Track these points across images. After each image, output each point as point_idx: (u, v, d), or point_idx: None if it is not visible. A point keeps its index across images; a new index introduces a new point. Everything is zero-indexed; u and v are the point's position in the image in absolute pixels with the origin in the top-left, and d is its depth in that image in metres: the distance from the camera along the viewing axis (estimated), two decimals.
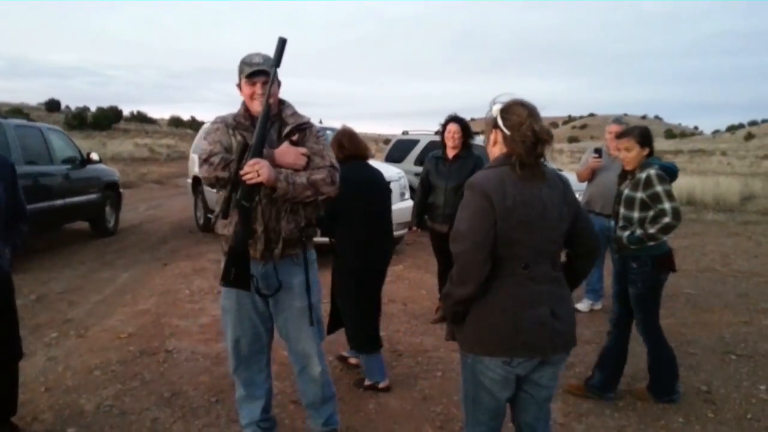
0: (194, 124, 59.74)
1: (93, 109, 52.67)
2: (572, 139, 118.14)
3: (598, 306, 5.67)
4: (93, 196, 8.71)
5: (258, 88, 2.57)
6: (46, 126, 8.47)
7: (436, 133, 11.42)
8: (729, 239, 10.10)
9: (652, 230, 3.35)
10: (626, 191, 3.51)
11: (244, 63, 2.59)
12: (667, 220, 3.31)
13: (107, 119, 47.81)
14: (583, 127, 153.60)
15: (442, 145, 5.15)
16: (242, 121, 2.64)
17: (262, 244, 2.60)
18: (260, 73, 2.55)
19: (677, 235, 10.08)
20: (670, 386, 3.63)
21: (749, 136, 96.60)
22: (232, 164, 2.45)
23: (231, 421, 3.28)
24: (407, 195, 8.15)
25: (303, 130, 2.66)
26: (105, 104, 49.09)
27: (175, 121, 65.88)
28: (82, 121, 44.92)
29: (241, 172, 2.36)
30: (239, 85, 2.65)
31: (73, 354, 4.22)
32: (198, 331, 4.76)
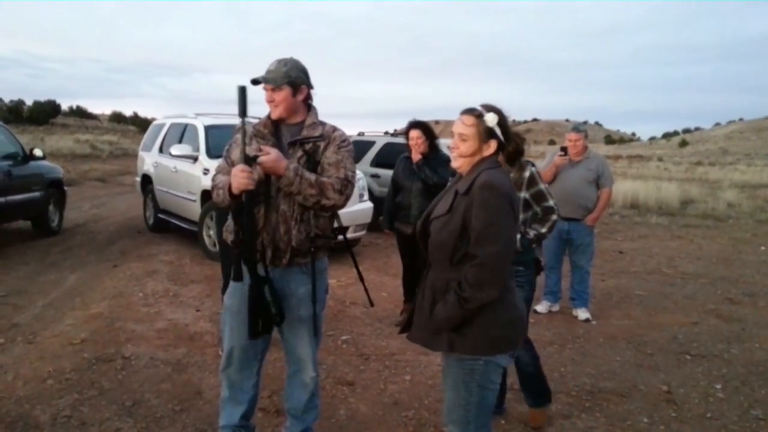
0: (137, 121, 57.94)
1: (29, 102, 50.39)
2: None
3: (556, 308, 5.76)
4: (36, 194, 8.30)
5: (267, 95, 2.60)
6: None
7: (393, 134, 11.45)
8: (673, 242, 10.47)
9: (543, 230, 3.27)
10: (525, 194, 3.29)
11: None
12: (554, 217, 3.29)
13: (45, 114, 45.82)
14: (528, 131, 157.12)
15: (408, 148, 5.15)
16: (261, 129, 2.65)
17: (270, 252, 2.57)
18: (267, 80, 2.56)
19: (625, 238, 10.44)
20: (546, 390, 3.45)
21: (683, 143, 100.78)
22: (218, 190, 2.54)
23: (198, 430, 3.16)
24: (366, 196, 8.12)
25: (320, 140, 2.62)
26: (41, 98, 46.94)
27: (117, 117, 63.71)
28: (17, 115, 42.94)
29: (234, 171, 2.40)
30: None
31: (23, 361, 3.99)
32: (155, 336, 4.58)
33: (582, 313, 5.54)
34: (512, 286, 2.22)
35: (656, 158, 60.03)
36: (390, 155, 10.33)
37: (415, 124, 5.14)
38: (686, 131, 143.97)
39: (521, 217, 3.20)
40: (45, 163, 8.99)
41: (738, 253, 9.47)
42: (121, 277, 6.37)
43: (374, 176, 10.13)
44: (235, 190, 2.40)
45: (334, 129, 2.70)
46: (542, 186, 3.29)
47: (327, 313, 5.27)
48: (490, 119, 2.17)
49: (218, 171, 2.69)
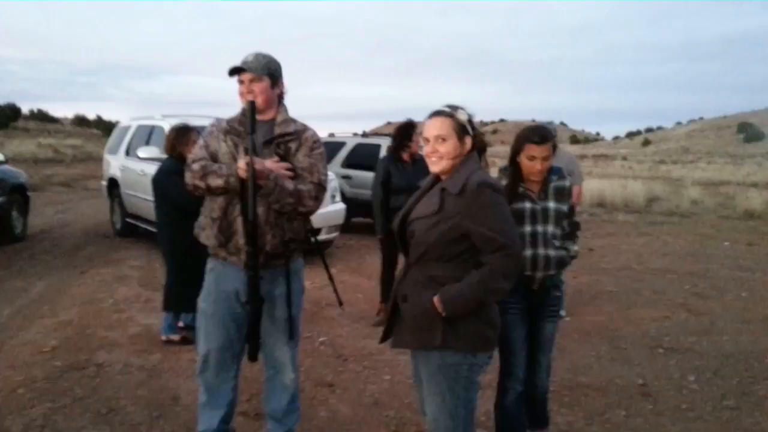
0: (101, 124, 56.77)
1: None
2: (484, 145, 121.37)
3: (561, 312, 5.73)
4: None
5: (243, 86, 2.56)
6: None
7: (364, 135, 11.44)
8: (640, 239, 10.68)
9: (576, 247, 2.92)
10: (553, 204, 2.79)
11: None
12: (579, 233, 2.97)
13: (4, 117, 44.60)
14: (495, 132, 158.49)
15: (398, 148, 5.10)
16: (236, 126, 2.60)
17: (245, 255, 2.52)
18: (242, 70, 2.52)
19: (594, 236, 10.59)
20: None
21: (646, 142, 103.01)
22: (212, 175, 2.49)
23: None
24: (338, 198, 8.10)
25: (291, 141, 2.60)
26: (0, 101, 45.69)
27: (80, 121, 62.38)
28: None
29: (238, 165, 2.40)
30: None
31: None
32: (129, 342, 4.49)
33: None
34: None
35: (620, 157, 61.25)
36: (361, 156, 10.34)
37: (414, 124, 5.11)
38: (649, 130, 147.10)
39: (550, 230, 2.75)
40: (7, 167, 8.76)
41: (703, 248, 9.71)
42: (90, 283, 6.23)
43: (345, 177, 10.10)
44: (241, 174, 2.39)
45: (306, 128, 2.68)
46: (572, 200, 2.94)
47: (303, 315, 5.25)
48: (462, 115, 2.19)
49: (195, 159, 2.59)
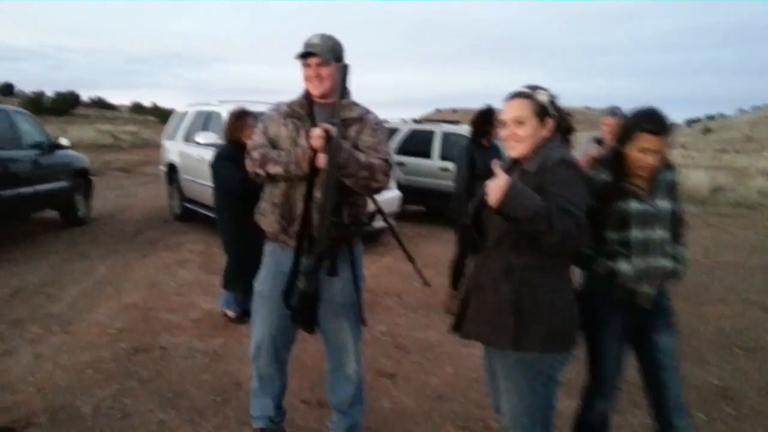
0: (156, 111, 58.23)
1: (49, 93, 50.81)
2: None
3: None
4: (63, 184, 8.28)
5: (311, 70, 2.47)
6: (13, 108, 8.03)
7: (416, 121, 11.28)
8: (706, 231, 10.24)
9: (686, 253, 2.48)
10: (665, 203, 2.35)
11: (303, 44, 2.49)
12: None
13: (65, 104, 46.24)
14: None
15: (480, 133, 5.03)
16: (297, 109, 2.55)
17: (306, 240, 2.46)
18: (311, 54, 2.45)
19: None
20: None
21: (707, 130, 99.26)
22: (271, 163, 2.45)
23: (241, 423, 3.09)
24: (393, 184, 7.98)
25: (354, 124, 2.52)
26: (61, 89, 47.31)
27: (137, 108, 64.13)
28: (38, 106, 43.36)
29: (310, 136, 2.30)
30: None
31: (61, 351, 3.95)
32: (191, 326, 4.53)
33: None
34: (570, 279, 2.12)
35: (679, 146, 59.20)
36: (415, 143, 10.22)
37: (493, 109, 5.04)
38: (709, 118, 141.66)
39: (663, 234, 2.33)
40: (71, 152, 8.98)
41: None
42: (152, 266, 6.34)
43: (399, 164, 9.99)
44: (316, 147, 2.30)
45: (368, 111, 2.60)
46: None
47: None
48: (543, 96, 2.05)
49: (255, 146, 2.55)
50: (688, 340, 4.62)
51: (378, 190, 2.51)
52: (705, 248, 8.70)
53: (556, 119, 2.06)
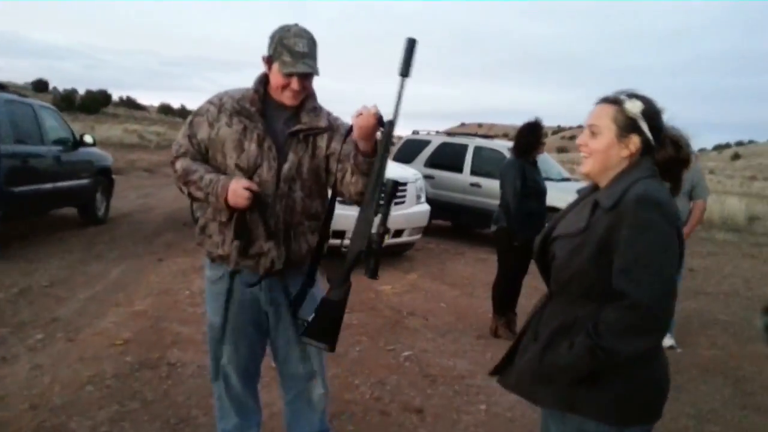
0: (184, 113, 58.72)
1: (81, 91, 51.49)
2: (561, 150, 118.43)
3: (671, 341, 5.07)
4: (84, 181, 8.10)
5: (294, 84, 2.09)
6: (39, 103, 7.86)
7: (449, 134, 10.93)
8: (745, 261, 9.75)
9: None
10: None
11: (282, 45, 2.05)
12: None
13: (96, 103, 46.80)
14: (572, 138, 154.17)
15: (527, 148, 4.77)
16: (247, 106, 2.14)
17: (267, 262, 2.15)
18: (316, 70, 2.12)
19: (693, 255, 9.72)
20: None
21: (736, 156, 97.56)
22: (192, 185, 2.11)
23: None
24: (423, 198, 7.65)
25: (321, 134, 2.19)
26: (94, 87, 48.05)
27: (165, 109, 64.79)
28: (70, 103, 43.91)
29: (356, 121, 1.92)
30: (268, 61, 2.12)
31: (61, 362, 3.67)
32: (203, 340, 4.20)
33: (666, 339, 4.97)
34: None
35: (708, 171, 58.09)
36: (446, 156, 9.89)
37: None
38: (739, 144, 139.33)
39: None
40: (95, 150, 8.81)
41: None
42: (167, 272, 6.07)
43: (428, 177, 9.65)
44: (233, 205, 2.03)
45: (336, 118, 2.26)
46: None
47: (384, 324, 4.88)
48: (632, 106, 1.64)
49: (180, 153, 2.18)
50: (742, 384, 4.22)
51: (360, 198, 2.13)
52: (745, 279, 8.25)
53: (644, 139, 1.65)
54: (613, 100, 1.68)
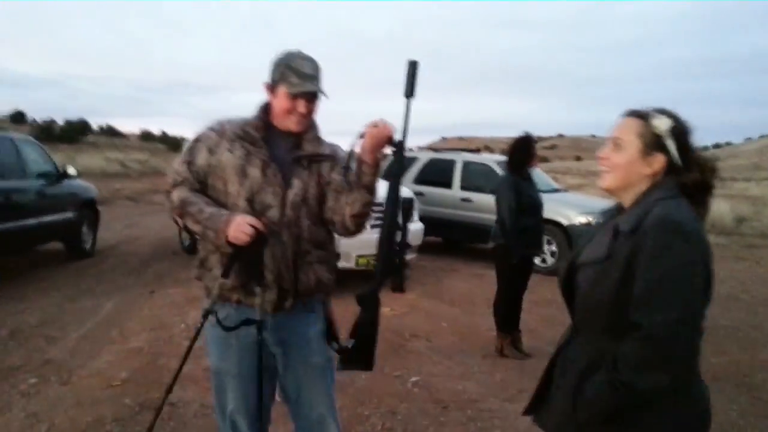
0: (166, 139, 58.34)
1: (59, 121, 50.98)
2: (542, 159, 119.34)
3: None
4: (69, 215, 7.93)
5: (300, 106, 2.02)
6: (19, 136, 7.71)
7: (473, 151, 10.85)
8: (738, 264, 9.77)
9: None
10: None
11: (289, 68, 2.01)
12: None
13: (75, 132, 46.28)
14: (552, 147, 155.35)
15: (519, 163, 4.73)
16: (251, 131, 2.06)
17: (273, 295, 2.04)
18: (323, 92, 2.06)
19: None
20: None
21: (714, 158, 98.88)
22: (189, 218, 2.03)
23: None
24: (416, 216, 7.57)
25: (324, 161, 2.13)
26: (72, 117, 47.58)
27: (146, 136, 64.28)
28: (49, 133, 43.42)
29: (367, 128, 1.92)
30: (271, 88, 2.06)
31: (57, 408, 3.51)
32: (203, 376, 4.07)
33: None
34: (697, 367, 1.54)
35: None
36: (434, 172, 9.85)
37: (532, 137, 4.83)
38: (716, 146, 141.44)
39: None
40: (78, 182, 8.65)
41: None
42: (160, 304, 5.91)
43: (418, 194, 9.59)
44: (232, 240, 1.92)
45: (339, 147, 2.21)
46: None
47: (388, 348, 4.76)
48: (660, 123, 1.56)
49: (177, 182, 2.09)
50: (757, 393, 4.16)
51: (363, 224, 2.12)
52: (741, 282, 8.26)
53: (669, 158, 1.56)
54: (641, 114, 1.60)
